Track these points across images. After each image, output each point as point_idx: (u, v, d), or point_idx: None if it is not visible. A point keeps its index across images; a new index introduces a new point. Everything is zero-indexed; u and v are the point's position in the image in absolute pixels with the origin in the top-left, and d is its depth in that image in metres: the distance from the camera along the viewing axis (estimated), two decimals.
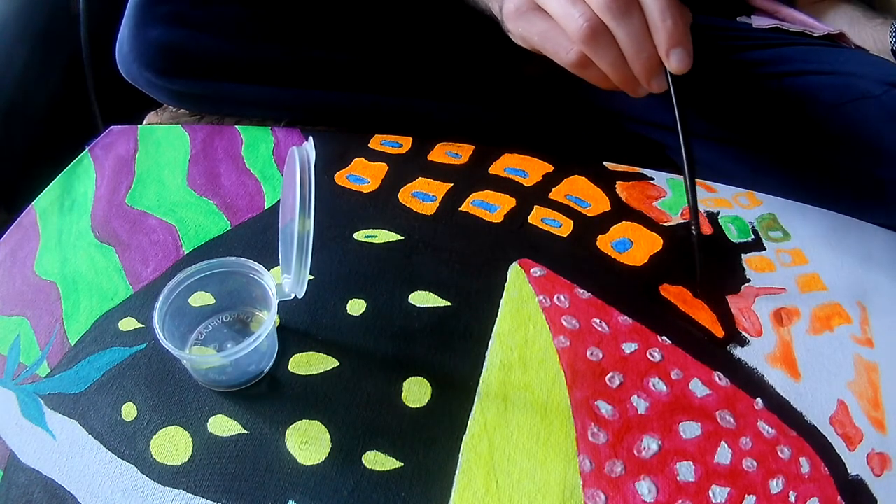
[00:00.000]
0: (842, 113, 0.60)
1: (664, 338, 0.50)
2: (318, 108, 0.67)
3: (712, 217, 0.59)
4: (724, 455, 0.44)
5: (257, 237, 0.55)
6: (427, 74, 0.69)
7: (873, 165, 0.59)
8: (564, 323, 0.50)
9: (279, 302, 0.45)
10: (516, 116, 0.71)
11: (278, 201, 0.54)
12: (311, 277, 0.48)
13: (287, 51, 0.65)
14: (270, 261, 0.51)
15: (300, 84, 0.65)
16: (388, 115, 0.68)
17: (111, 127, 0.66)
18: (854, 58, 0.65)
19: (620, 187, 0.61)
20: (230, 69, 0.64)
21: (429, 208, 0.58)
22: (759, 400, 0.47)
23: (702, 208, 0.60)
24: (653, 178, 0.62)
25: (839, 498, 0.42)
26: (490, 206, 0.58)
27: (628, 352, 0.49)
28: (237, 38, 0.64)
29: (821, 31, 0.68)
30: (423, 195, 0.59)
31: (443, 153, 0.63)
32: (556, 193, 0.60)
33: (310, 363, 0.47)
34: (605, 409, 0.46)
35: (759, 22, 0.70)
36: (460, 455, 0.43)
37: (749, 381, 0.48)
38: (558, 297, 0.52)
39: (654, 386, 0.47)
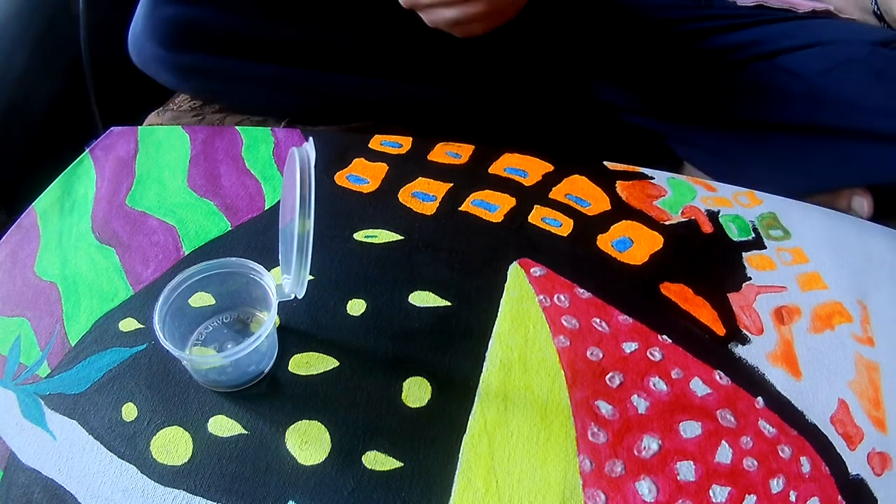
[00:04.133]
0: (829, 79, 0.60)
1: (664, 337, 0.50)
2: (322, 89, 0.68)
3: (713, 216, 0.59)
4: (724, 454, 0.44)
5: (257, 238, 0.55)
6: (428, 62, 0.69)
7: (861, 122, 0.59)
8: (564, 322, 0.50)
9: (279, 302, 0.45)
10: (514, 109, 0.71)
11: (278, 202, 0.54)
12: (311, 278, 0.48)
13: (296, 31, 0.66)
14: (270, 261, 0.51)
15: (307, 64, 0.66)
16: (388, 99, 0.68)
17: (111, 128, 0.66)
18: (839, 27, 0.66)
19: (620, 186, 0.61)
20: (239, 45, 0.65)
21: (429, 208, 0.58)
22: (759, 399, 0.47)
23: (702, 207, 0.60)
24: (653, 178, 0.62)
25: (840, 497, 0.42)
26: (490, 206, 0.58)
27: (628, 351, 0.49)
28: (248, 15, 0.65)
29: (805, 7, 0.68)
30: (423, 195, 0.59)
31: (443, 153, 0.63)
32: (556, 193, 0.60)
33: (310, 363, 0.47)
34: (605, 408, 0.46)
35: (744, 0, 0.70)
36: (460, 455, 0.43)
37: (750, 380, 0.48)
38: (558, 297, 0.52)
39: (654, 385, 0.47)
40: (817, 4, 0.68)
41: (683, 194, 0.61)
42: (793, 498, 0.42)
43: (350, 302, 0.51)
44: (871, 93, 0.59)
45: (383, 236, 0.56)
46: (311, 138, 0.43)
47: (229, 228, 0.56)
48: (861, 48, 0.60)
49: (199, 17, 0.64)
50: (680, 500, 0.42)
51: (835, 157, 0.62)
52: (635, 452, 0.44)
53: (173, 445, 0.43)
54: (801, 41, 0.64)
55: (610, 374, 0.47)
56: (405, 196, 0.59)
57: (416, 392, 0.46)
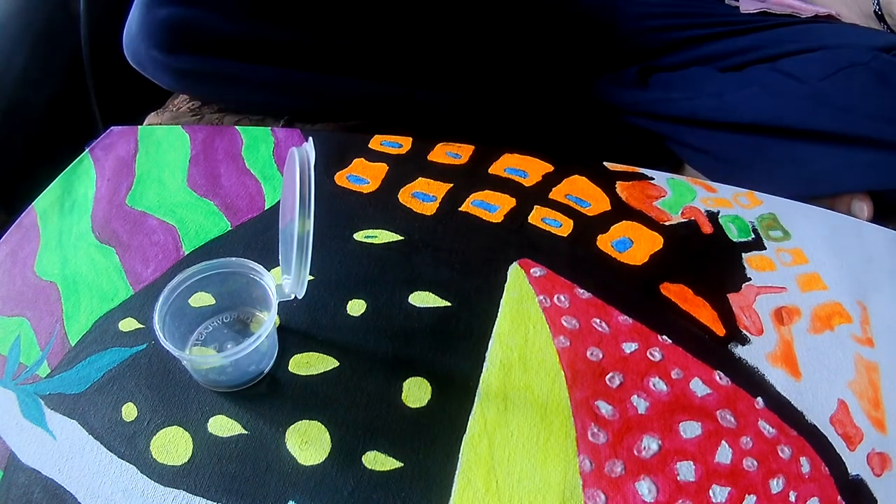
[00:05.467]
0: (831, 84, 0.61)
1: (664, 337, 0.50)
2: (319, 91, 0.68)
3: (712, 216, 0.59)
4: (724, 455, 0.44)
5: (257, 238, 0.55)
6: (428, 65, 0.69)
7: (863, 128, 0.59)
8: (564, 323, 0.50)
9: (279, 302, 0.45)
10: (516, 110, 0.71)
11: (278, 202, 0.54)
12: (312, 278, 0.48)
13: (291, 33, 0.66)
14: (270, 261, 0.51)
15: (303, 67, 0.66)
16: (386, 102, 0.68)
17: (111, 128, 0.66)
18: (842, 31, 0.66)
19: (620, 187, 0.61)
20: (235, 47, 0.65)
21: (429, 208, 0.58)
22: (759, 399, 0.47)
23: (702, 207, 0.60)
24: (653, 178, 0.62)
25: (839, 498, 0.42)
26: (490, 206, 0.58)
27: (628, 351, 0.49)
28: (244, 17, 0.65)
29: (808, 12, 0.69)
30: (423, 195, 0.59)
31: (443, 153, 0.63)
32: (556, 193, 0.60)
33: (310, 363, 0.47)
34: (605, 409, 0.46)
35: (747, 6, 0.71)
36: (460, 455, 0.43)
37: (750, 380, 0.48)
38: (558, 297, 0.52)
39: (654, 385, 0.47)
40: (819, 9, 0.69)
41: (683, 195, 0.61)
42: (792, 498, 0.42)
43: (350, 302, 0.51)
44: (873, 98, 0.59)
45: (383, 236, 0.56)
46: (311, 138, 0.43)
47: (229, 228, 0.56)
48: (864, 53, 0.60)
49: (193, 18, 0.64)
50: (680, 501, 0.42)
51: (836, 162, 0.62)
52: (635, 452, 0.44)
53: (173, 445, 0.43)
54: (803, 45, 0.64)
55: (610, 375, 0.47)
56: (405, 196, 0.59)
57: (416, 392, 0.46)
